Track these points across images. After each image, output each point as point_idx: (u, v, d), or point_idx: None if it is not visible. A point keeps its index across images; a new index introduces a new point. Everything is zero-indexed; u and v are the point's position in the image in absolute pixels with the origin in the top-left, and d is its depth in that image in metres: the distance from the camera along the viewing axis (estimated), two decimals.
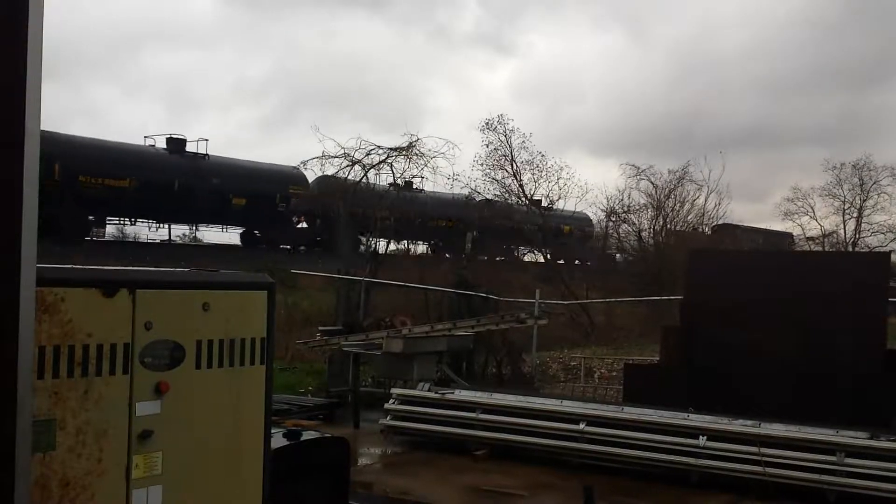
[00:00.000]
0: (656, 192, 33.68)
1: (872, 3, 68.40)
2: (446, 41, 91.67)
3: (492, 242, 33.21)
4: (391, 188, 23.33)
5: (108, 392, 3.52)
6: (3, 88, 2.05)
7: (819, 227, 41.08)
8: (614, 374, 16.31)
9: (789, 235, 43.98)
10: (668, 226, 33.16)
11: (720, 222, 36.15)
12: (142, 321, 3.64)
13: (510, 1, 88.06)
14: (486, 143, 29.98)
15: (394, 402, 11.11)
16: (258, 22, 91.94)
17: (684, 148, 75.10)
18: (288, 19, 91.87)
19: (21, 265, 2.05)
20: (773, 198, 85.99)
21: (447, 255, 34.35)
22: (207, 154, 33.97)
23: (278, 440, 4.98)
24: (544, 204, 31.37)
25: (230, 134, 78.75)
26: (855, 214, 40.55)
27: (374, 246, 22.66)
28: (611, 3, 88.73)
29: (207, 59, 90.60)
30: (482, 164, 29.76)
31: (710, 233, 35.33)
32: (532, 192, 30.54)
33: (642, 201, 33.75)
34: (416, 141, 21.98)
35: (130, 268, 4.23)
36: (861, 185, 40.23)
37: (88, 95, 76.02)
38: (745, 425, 9.02)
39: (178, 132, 34.06)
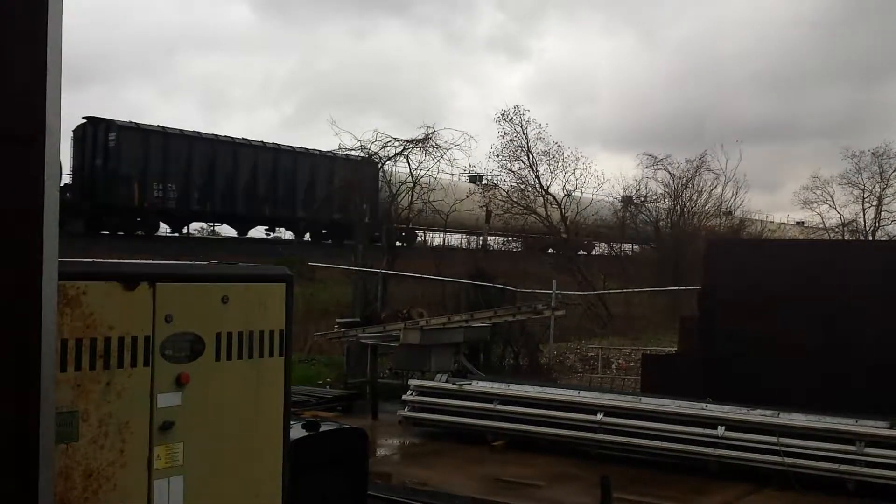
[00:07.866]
0: (673, 181, 33.49)
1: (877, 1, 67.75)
2: (465, 44, 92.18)
3: None
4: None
5: (129, 384, 3.56)
6: (24, 86, 2.07)
7: (838, 215, 40.76)
8: (632, 364, 16.26)
9: None
10: (686, 216, 32.94)
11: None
12: (162, 314, 3.68)
13: (525, 6, 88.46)
14: (503, 134, 29.75)
15: (411, 394, 11.14)
16: (287, 26, 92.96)
17: (695, 144, 75.15)
18: (314, 23, 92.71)
19: (43, 260, 2.08)
20: (786, 189, 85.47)
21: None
22: None
23: (297, 431, 5.01)
24: (560, 195, 30.67)
25: (258, 132, 79.83)
26: (875, 203, 40.16)
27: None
28: (620, 7, 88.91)
29: (240, 61, 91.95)
30: (498, 156, 29.58)
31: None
32: (548, 184, 30.37)
33: (659, 191, 33.57)
34: (432, 133, 21.96)
35: (150, 261, 4.27)
36: (881, 174, 39.83)
37: (129, 96, 77.71)
38: (764, 415, 8.98)
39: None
